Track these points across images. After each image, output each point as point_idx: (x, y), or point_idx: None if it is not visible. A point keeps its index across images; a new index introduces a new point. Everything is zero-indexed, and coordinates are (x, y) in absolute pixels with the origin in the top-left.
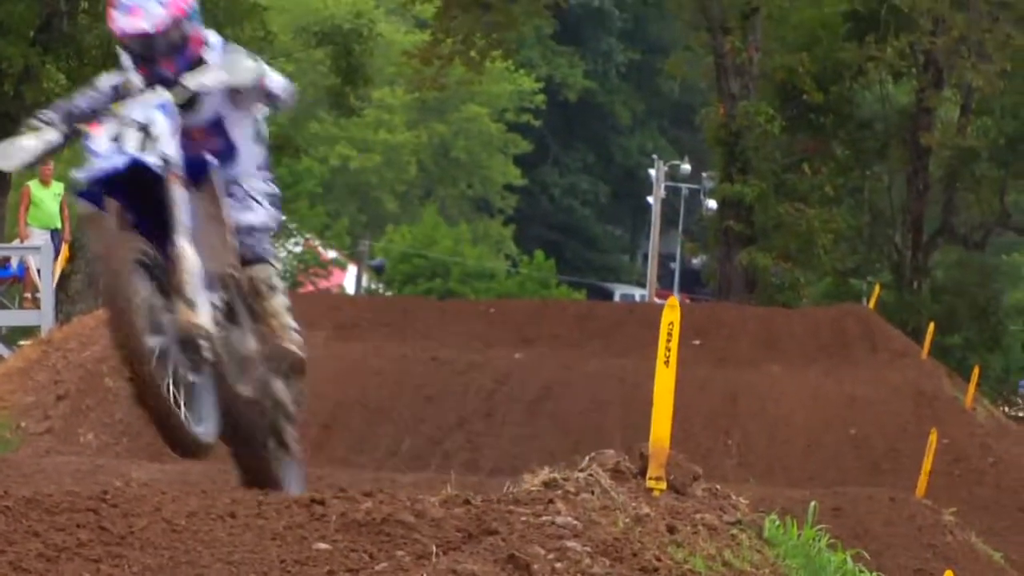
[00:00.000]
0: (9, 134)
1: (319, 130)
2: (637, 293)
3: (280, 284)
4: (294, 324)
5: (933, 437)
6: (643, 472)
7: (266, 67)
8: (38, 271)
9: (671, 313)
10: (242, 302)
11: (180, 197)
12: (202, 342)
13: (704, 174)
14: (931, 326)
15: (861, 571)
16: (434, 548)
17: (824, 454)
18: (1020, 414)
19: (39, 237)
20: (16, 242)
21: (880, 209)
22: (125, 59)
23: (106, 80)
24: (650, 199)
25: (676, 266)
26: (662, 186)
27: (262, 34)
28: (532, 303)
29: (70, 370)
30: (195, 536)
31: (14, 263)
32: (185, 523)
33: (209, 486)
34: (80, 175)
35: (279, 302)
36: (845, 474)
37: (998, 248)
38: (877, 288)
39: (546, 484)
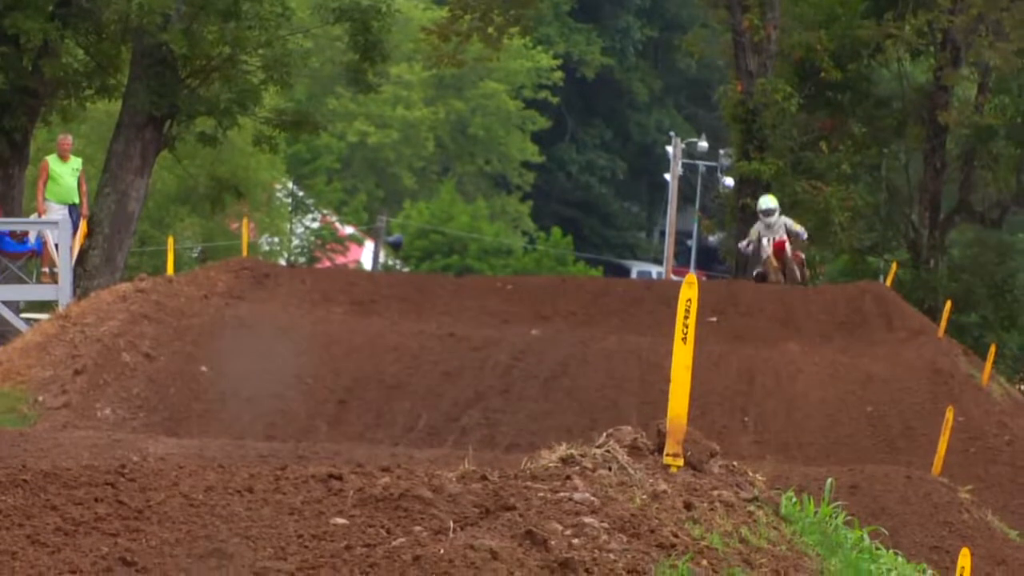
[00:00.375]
0: (29, 108)
1: (337, 106)
2: (654, 270)
3: None
4: None
5: (950, 415)
6: (660, 449)
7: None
8: (56, 246)
9: (689, 290)
10: None
11: None
12: None
13: (721, 151)
14: (948, 304)
15: (878, 548)
16: (451, 523)
17: (840, 432)
18: None
19: (57, 212)
20: (34, 216)
21: (897, 187)
22: None
23: None
24: (667, 176)
25: (693, 243)
26: (679, 163)
27: (280, 10)
28: (549, 280)
29: (87, 345)
30: (212, 511)
31: (32, 237)
32: (203, 497)
33: (227, 461)
34: None
35: None
36: (861, 452)
37: (1015, 226)
38: (894, 266)
39: (563, 460)
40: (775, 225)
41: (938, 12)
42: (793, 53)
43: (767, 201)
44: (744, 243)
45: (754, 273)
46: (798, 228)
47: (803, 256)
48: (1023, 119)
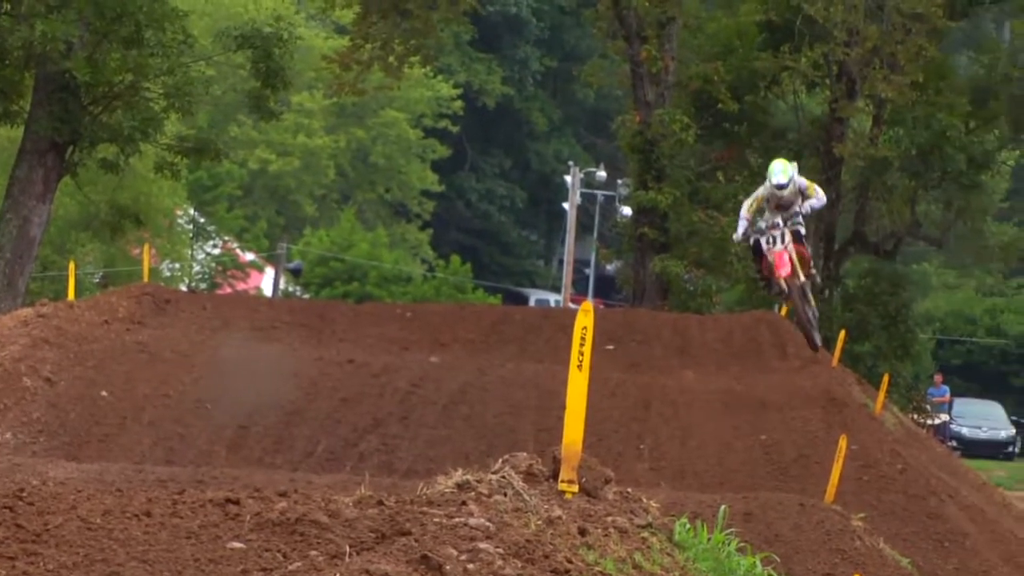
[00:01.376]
0: None
1: (239, 133)
2: (552, 298)
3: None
4: None
5: (843, 443)
6: (555, 475)
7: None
8: None
9: (585, 318)
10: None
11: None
12: None
13: (619, 181)
14: (842, 334)
15: (771, 575)
16: (347, 548)
17: (735, 459)
18: (929, 421)
19: None
20: None
21: None
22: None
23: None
24: (566, 205)
25: (591, 272)
26: (578, 192)
27: (182, 38)
28: (448, 307)
29: None
30: (110, 534)
31: None
32: (100, 521)
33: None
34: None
35: None
36: (756, 479)
37: (908, 257)
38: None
39: (459, 486)
40: (786, 199)
41: (834, 45)
42: (690, 84)
43: (779, 172)
44: (739, 231)
45: (762, 276)
46: (812, 198)
47: (809, 254)
48: (917, 151)
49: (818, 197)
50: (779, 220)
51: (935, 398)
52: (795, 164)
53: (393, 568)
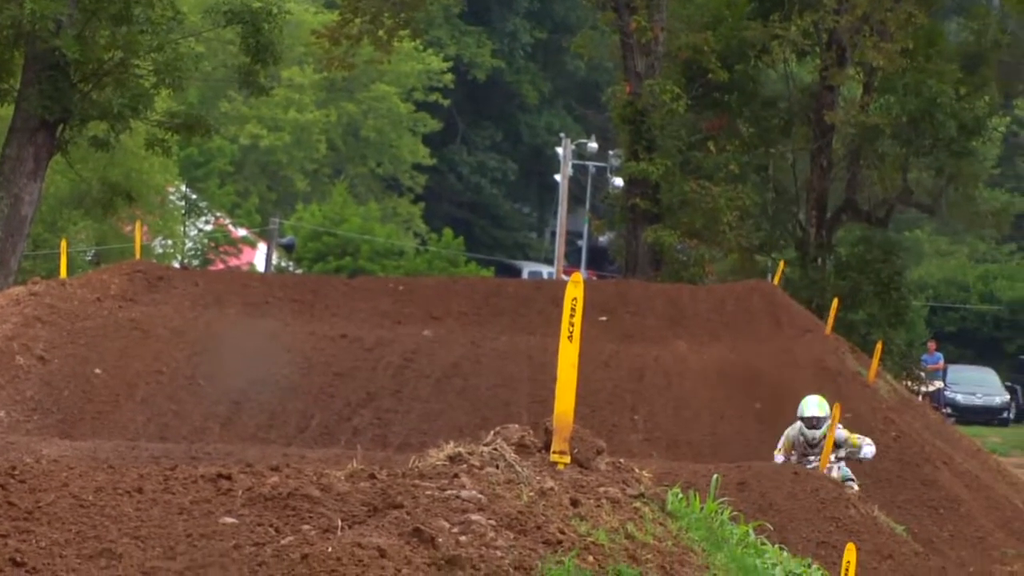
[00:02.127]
0: None
1: (229, 109)
2: (545, 271)
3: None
4: None
5: (836, 411)
6: (547, 446)
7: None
8: None
9: (574, 289)
10: None
11: None
12: None
13: (610, 152)
14: (835, 302)
15: (763, 543)
16: (339, 522)
17: (728, 429)
18: (923, 389)
19: None
20: None
21: (784, 186)
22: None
23: None
24: (557, 177)
25: (583, 244)
26: (569, 164)
27: (171, 14)
28: (441, 281)
29: None
30: (102, 511)
31: None
32: (92, 498)
33: (118, 462)
34: None
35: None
36: (749, 449)
37: (900, 225)
38: (781, 265)
39: (451, 458)
40: (818, 443)
41: (823, 13)
42: (680, 54)
43: (814, 406)
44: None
45: None
46: (858, 445)
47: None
48: (908, 118)
49: (868, 444)
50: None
51: (929, 365)
52: (829, 405)
53: (385, 541)
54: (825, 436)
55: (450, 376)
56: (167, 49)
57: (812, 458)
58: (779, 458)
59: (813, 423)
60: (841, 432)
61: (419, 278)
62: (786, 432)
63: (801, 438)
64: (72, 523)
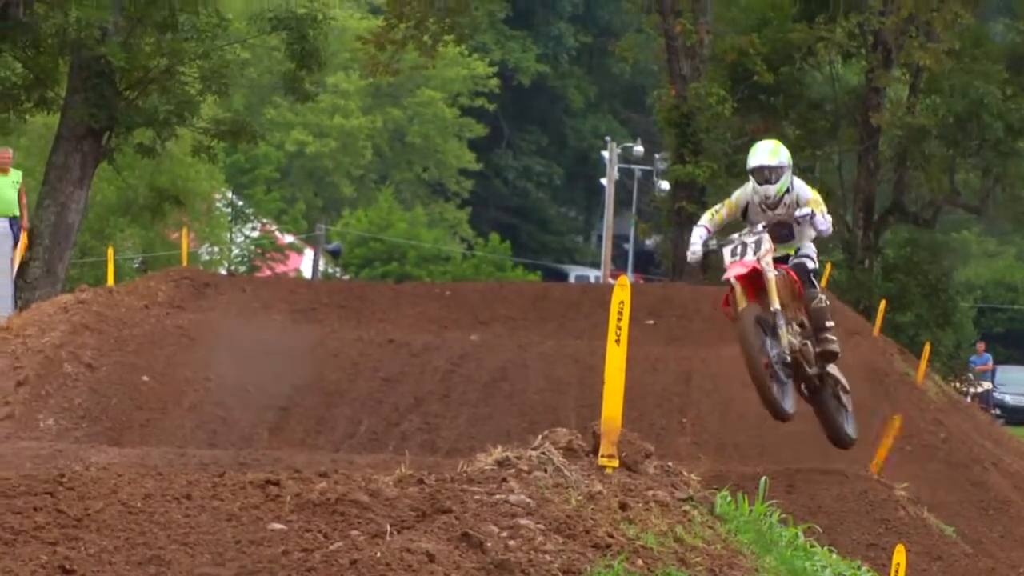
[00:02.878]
0: None
1: (275, 116)
2: (592, 274)
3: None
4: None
5: (897, 421)
6: (595, 450)
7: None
8: None
9: (621, 292)
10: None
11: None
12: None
13: (656, 155)
14: (882, 304)
15: (812, 546)
16: (388, 527)
17: (777, 431)
18: (972, 390)
19: None
20: None
21: (831, 188)
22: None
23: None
24: (603, 181)
25: (630, 247)
26: (615, 168)
27: (216, 21)
28: (487, 285)
29: (29, 356)
30: (151, 518)
31: None
32: (141, 505)
33: (167, 469)
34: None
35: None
36: (798, 451)
37: (948, 226)
38: (828, 267)
39: (499, 463)
40: (774, 199)
41: (869, 14)
42: (726, 57)
43: (763, 153)
44: (693, 247)
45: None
46: (816, 214)
47: (822, 302)
48: (955, 119)
49: (825, 216)
50: (764, 233)
51: (977, 366)
52: (788, 152)
53: (434, 546)
54: (788, 192)
55: (497, 380)
56: (212, 56)
57: (727, 252)
58: (698, 231)
59: (765, 175)
60: (806, 190)
61: (466, 283)
62: (735, 193)
63: (756, 197)
64: (121, 530)
